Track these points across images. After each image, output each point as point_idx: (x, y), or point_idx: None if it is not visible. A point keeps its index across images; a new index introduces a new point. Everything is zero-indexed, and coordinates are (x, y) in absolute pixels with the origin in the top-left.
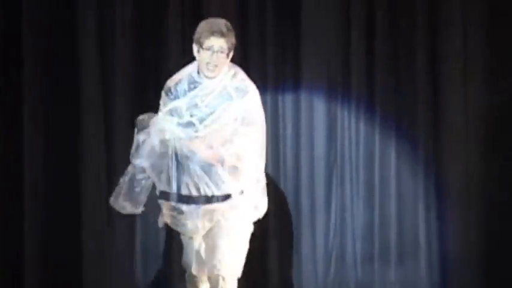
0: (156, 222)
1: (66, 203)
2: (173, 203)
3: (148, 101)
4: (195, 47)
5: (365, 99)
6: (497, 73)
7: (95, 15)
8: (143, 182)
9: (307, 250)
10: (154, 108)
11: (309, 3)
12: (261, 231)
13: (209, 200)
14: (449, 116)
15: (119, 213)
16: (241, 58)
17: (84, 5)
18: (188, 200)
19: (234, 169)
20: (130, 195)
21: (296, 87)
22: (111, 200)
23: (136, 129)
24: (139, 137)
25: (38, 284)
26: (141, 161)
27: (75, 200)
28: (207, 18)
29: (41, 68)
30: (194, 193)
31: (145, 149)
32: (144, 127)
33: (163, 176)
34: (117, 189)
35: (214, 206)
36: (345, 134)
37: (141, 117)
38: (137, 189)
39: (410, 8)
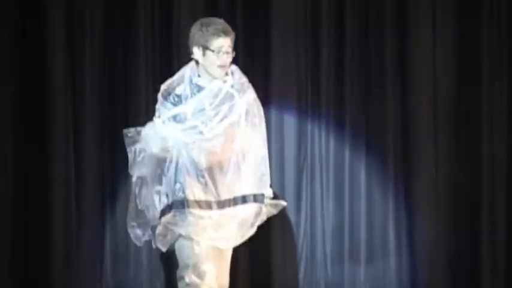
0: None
1: (35, 204)
2: (191, 210)
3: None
4: (198, 51)
5: (335, 108)
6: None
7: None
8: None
9: (278, 250)
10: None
11: (278, 19)
12: None
13: (225, 203)
14: (418, 115)
15: (88, 215)
16: None
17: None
18: (205, 205)
19: (240, 169)
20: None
21: (266, 102)
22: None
23: (126, 142)
24: (135, 147)
25: (5, 285)
26: (141, 171)
27: (45, 201)
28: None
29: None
30: (209, 198)
31: (145, 159)
32: (135, 139)
33: (172, 187)
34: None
35: (228, 210)
36: (315, 136)
37: (129, 130)
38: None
39: (381, 24)
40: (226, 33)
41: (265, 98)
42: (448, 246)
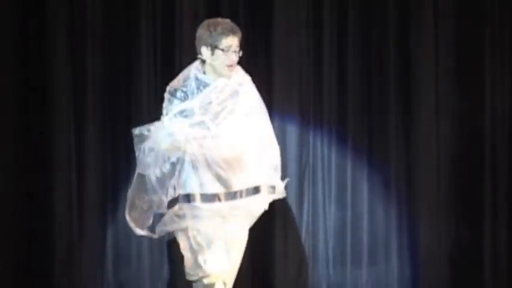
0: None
1: (37, 209)
2: (196, 204)
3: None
4: (206, 50)
5: (337, 111)
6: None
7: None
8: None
9: (280, 251)
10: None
11: (280, 19)
12: None
13: (233, 195)
14: (420, 116)
15: (90, 215)
16: None
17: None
18: (212, 198)
19: (250, 160)
20: (134, 213)
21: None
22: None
23: (135, 141)
24: (143, 146)
25: (7, 286)
26: (149, 170)
27: (47, 201)
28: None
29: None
30: (217, 190)
31: (152, 157)
32: (144, 138)
33: (179, 181)
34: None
35: (239, 201)
36: (317, 137)
37: (137, 129)
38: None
39: (383, 24)
40: (234, 33)
41: (267, 100)
42: (450, 247)
